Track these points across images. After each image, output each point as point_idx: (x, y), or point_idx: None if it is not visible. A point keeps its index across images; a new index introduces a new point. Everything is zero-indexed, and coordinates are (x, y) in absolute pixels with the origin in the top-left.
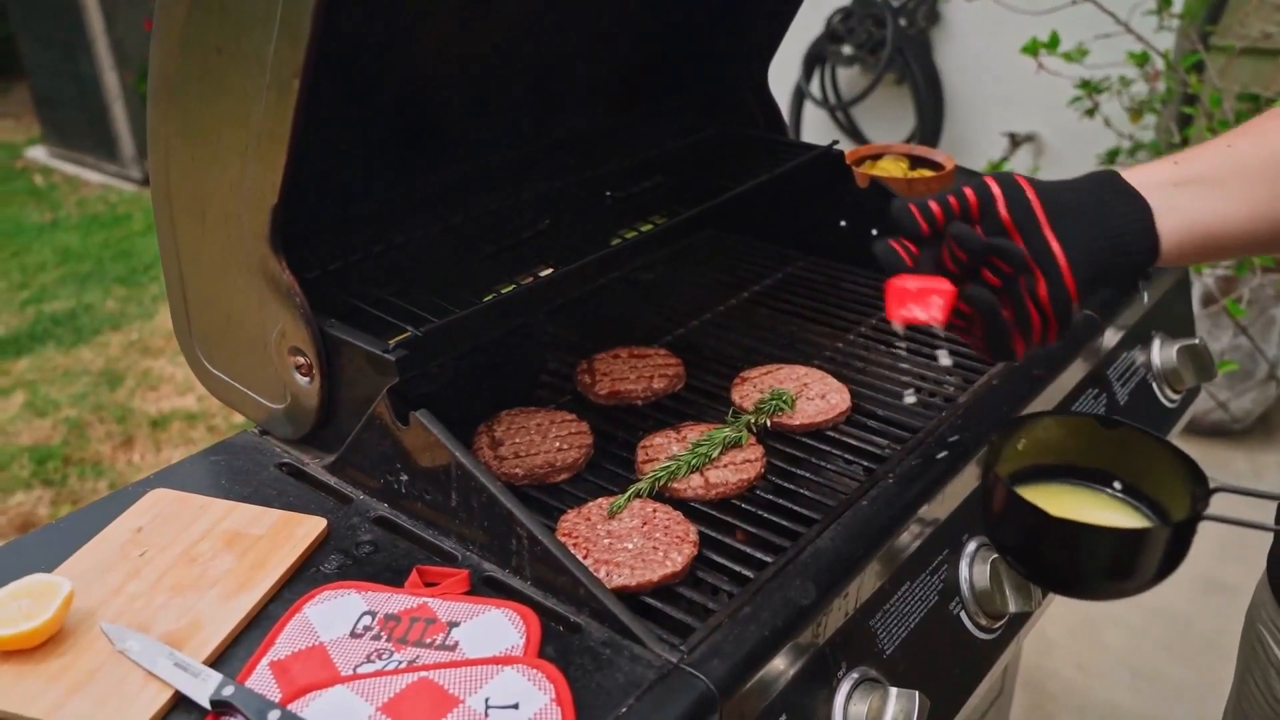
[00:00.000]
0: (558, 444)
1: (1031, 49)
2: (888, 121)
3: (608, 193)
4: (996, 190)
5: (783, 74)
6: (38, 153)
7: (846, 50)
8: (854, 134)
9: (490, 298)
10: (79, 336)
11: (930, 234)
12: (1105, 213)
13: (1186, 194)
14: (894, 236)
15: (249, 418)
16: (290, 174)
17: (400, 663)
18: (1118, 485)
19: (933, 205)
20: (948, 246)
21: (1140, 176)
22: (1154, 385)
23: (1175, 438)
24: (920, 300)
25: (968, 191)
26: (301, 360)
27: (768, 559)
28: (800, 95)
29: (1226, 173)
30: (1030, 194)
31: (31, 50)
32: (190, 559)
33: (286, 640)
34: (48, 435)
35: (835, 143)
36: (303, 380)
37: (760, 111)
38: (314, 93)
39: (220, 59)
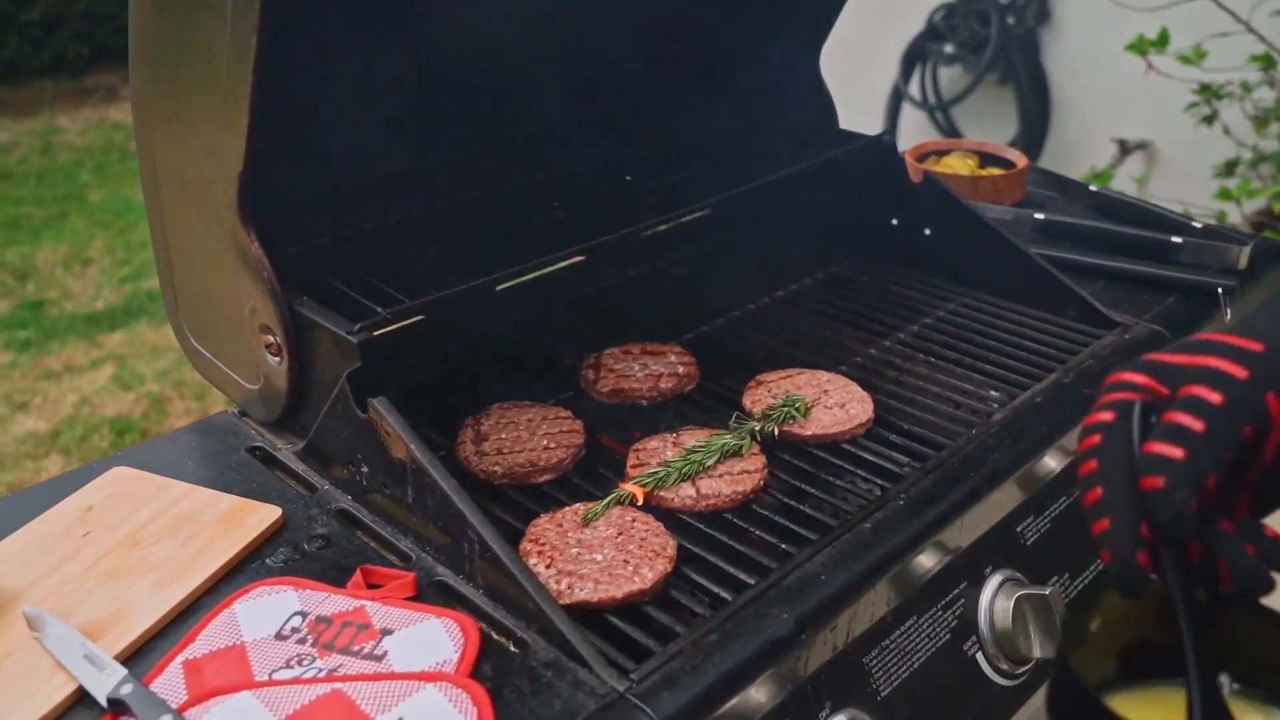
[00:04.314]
0: (545, 442)
1: (1139, 48)
2: (989, 124)
3: (627, 177)
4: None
5: (881, 74)
6: None
7: (948, 49)
8: (954, 136)
9: (475, 282)
10: None
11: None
12: None
13: None
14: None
15: (229, 397)
16: (254, 139)
17: (319, 671)
18: (1225, 677)
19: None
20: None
21: None
22: None
23: None
24: None
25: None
26: (270, 339)
27: (750, 580)
28: (898, 96)
29: None
30: None
31: None
32: (134, 543)
33: (207, 638)
34: (130, 408)
35: (885, 132)
36: (273, 360)
37: (811, 99)
38: (321, 56)
39: (190, 17)
